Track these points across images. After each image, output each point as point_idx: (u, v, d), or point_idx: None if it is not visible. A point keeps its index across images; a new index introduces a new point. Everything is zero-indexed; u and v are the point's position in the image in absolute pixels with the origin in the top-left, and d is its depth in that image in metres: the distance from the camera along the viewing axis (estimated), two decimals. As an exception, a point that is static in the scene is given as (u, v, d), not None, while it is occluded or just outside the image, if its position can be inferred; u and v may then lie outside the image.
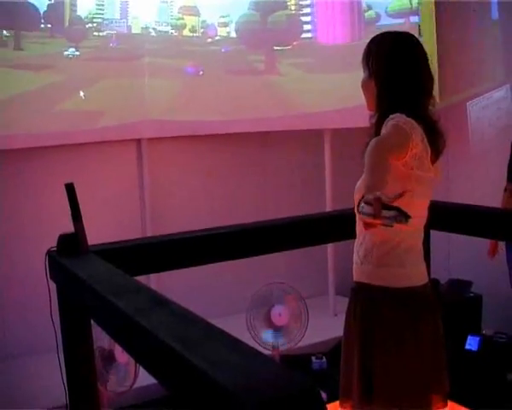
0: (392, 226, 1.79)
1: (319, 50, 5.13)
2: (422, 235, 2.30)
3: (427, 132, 2.12)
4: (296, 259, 4.27)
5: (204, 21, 5.01)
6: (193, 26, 4.99)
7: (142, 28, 4.81)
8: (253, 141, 5.20)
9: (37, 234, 4.23)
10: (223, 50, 5.08)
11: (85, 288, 2.00)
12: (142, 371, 3.21)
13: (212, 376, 1.18)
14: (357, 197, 2.18)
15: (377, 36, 2.27)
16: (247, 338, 3.49)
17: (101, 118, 4.58)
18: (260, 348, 3.65)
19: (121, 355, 3.40)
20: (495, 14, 4.90)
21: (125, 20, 4.75)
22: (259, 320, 4.02)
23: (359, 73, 2.28)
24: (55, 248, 2.37)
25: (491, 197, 3.99)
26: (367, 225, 1.85)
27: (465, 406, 3.43)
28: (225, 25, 5.05)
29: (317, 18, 5.14)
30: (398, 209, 1.76)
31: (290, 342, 4.07)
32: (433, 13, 5.01)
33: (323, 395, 2.72)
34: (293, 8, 5.16)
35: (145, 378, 2.96)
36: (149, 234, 4.69)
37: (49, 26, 4.44)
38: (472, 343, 4.09)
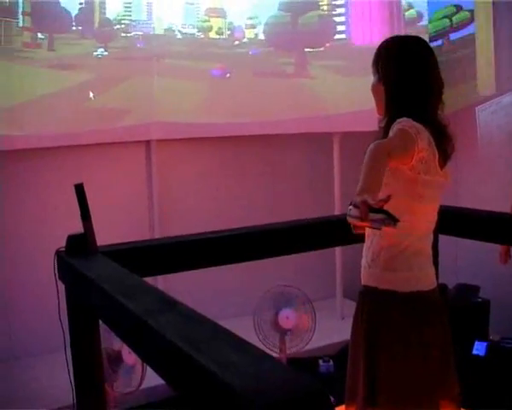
0: (379, 229, 1.80)
1: (354, 52, 5.03)
2: (431, 239, 2.30)
3: (436, 137, 2.12)
4: (304, 261, 4.26)
5: (231, 23, 5.02)
6: (219, 28, 5.01)
7: (168, 30, 4.85)
8: (262, 143, 5.18)
9: (46, 234, 4.25)
10: (250, 53, 5.06)
11: (94, 288, 2.02)
12: (148, 371, 3.22)
13: (221, 377, 1.19)
14: None
15: (387, 39, 2.28)
16: (254, 340, 3.49)
17: (125, 117, 4.65)
18: (267, 351, 3.65)
19: (128, 356, 3.41)
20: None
21: (151, 22, 4.82)
22: (267, 323, 4.01)
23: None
24: (63, 249, 2.38)
25: (500, 202, 3.98)
26: (355, 228, 1.86)
27: (472, 411, 3.42)
28: (253, 26, 5.04)
29: (352, 18, 5.06)
30: (386, 213, 1.76)
31: (297, 345, 4.07)
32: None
33: (332, 399, 2.72)
34: (325, 8, 5.10)
35: (152, 379, 2.97)
36: (157, 235, 4.69)
37: (80, 27, 4.57)
38: (479, 349, 4.08)
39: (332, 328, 4.66)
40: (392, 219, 1.77)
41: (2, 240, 4.36)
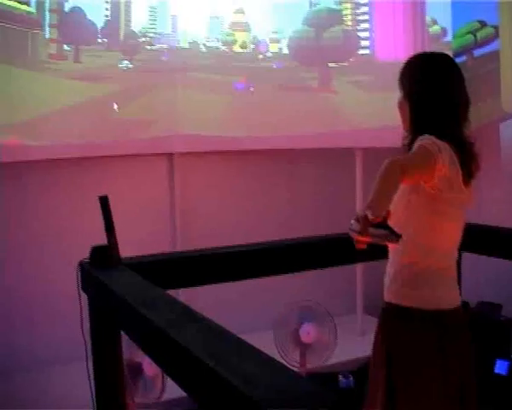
0: (382, 244, 1.81)
1: (377, 67, 5.04)
2: (456, 258, 2.27)
3: (460, 154, 2.10)
4: (325, 277, 4.25)
5: (255, 37, 5.05)
6: (243, 42, 5.04)
7: (193, 43, 4.90)
8: (284, 157, 5.18)
9: (69, 244, 4.28)
10: (274, 67, 5.08)
11: (117, 299, 2.04)
12: (169, 383, 3.23)
13: (243, 391, 1.20)
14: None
15: (412, 56, 2.28)
16: (274, 354, 3.49)
17: (148, 129, 4.69)
18: (287, 365, 3.64)
19: (149, 368, 3.42)
20: None
21: (175, 35, 4.87)
22: (288, 337, 4.01)
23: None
24: (87, 260, 2.40)
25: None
26: (357, 243, 1.88)
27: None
28: (277, 41, 5.07)
29: (376, 33, 5.07)
30: (388, 228, 1.77)
31: (318, 360, 4.06)
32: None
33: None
34: (349, 23, 5.12)
35: (172, 391, 2.97)
36: (179, 248, 4.70)
37: (106, 40, 4.64)
38: (501, 367, 4.04)
39: (352, 344, 4.65)
40: (393, 235, 1.77)
41: (24, 249, 4.41)
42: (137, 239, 4.25)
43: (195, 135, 4.76)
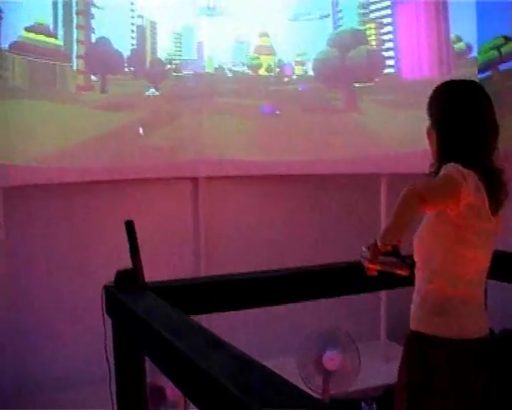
0: (393, 273, 1.82)
1: (403, 86, 5.03)
2: (483, 286, 2.25)
3: (487, 182, 2.09)
4: (348, 302, 4.23)
5: (280, 60, 5.09)
6: (269, 66, 5.08)
7: (219, 68, 4.95)
8: (308, 182, 5.17)
9: (93, 267, 4.32)
10: (300, 89, 5.11)
11: (141, 324, 2.05)
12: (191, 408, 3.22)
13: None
14: (416, 243, 2.18)
15: (440, 84, 2.28)
16: (297, 380, 3.48)
17: (173, 153, 4.74)
18: (310, 392, 3.62)
19: (171, 392, 3.41)
20: None
21: (201, 61, 4.92)
22: (311, 363, 3.97)
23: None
24: (112, 283, 2.41)
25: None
26: (368, 270, 1.91)
27: None
28: (302, 63, 5.10)
29: (401, 52, 5.07)
30: (399, 257, 1.77)
31: (341, 386, 4.01)
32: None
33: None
34: (373, 42, 5.13)
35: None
36: (203, 272, 4.73)
37: (132, 68, 4.70)
38: (526, 398, 3.98)
39: (376, 370, 4.60)
40: (403, 264, 1.77)
41: (49, 271, 4.45)
42: (162, 263, 4.28)
43: (220, 159, 4.80)
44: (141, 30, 4.71)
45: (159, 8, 4.74)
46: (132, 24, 4.69)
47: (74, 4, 4.43)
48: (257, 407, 1.26)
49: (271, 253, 4.87)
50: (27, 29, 4.23)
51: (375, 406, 4.26)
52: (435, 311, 2.15)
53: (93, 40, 4.52)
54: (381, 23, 5.12)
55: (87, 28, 4.47)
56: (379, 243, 1.82)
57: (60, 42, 4.40)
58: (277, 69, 5.09)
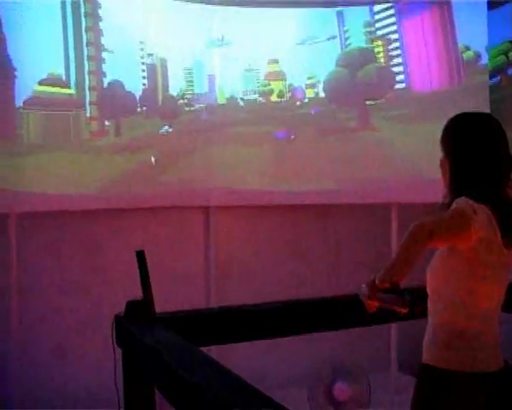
0: (392, 309, 1.81)
1: (415, 99, 5.04)
2: (497, 319, 2.18)
3: (499, 215, 2.05)
4: (359, 333, 4.23)
5: (291, 85, 5.14)
6: (280, 91, 5.14)
7: (230, 98, 5.01)
8: (319, 211, 5.16)
9: (106, 295, 4.37)
10: (312, 112, 5.15)
11: (152, 356, 2.03)
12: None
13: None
14: (428, 275, 2.16)
15: (454, 116, 2.23)
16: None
17: (186, 182, 4.76)
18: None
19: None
20: None
21: (213, 93, 5.00)
22: (321, 394, 3.94)
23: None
24: (122, 314, 2.40)
25: None
26: (368, 306, 1.90)
27: None
28: (313, 86, 5.14)
29: (410, 66, 5.08)
30: (398, 293, 1.75)
31: (351, 418, 3.97)
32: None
33: None
34: (382, 59, 5.16)
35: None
36: (213, 302, 4.74)
37: (145, 108, 4.75)
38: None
39: (386, 402, 4.55)
40: (401, 302, 1.76)
41: (59, 299, 4.50)
42: (172, 292, 4.28)
43: (231, 189, 4.84)
44: (152, 68, 4.78)
45: (168, 45, 4.81)
46: (143, 63, 4.76)
47: (85, 50, 4.49)
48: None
49: (282, 282, 4.88)
50: (41, 83, 4.30)
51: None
52: (447, 344, 2.09)
53: (105, 84, 4.57)
54: (389, 39, 5.15)
55: (98, 73, 4.53)
56: (377, 281, 1.82)
57: (72, 90, 4.46)
58: (289, 94, 5.14)
